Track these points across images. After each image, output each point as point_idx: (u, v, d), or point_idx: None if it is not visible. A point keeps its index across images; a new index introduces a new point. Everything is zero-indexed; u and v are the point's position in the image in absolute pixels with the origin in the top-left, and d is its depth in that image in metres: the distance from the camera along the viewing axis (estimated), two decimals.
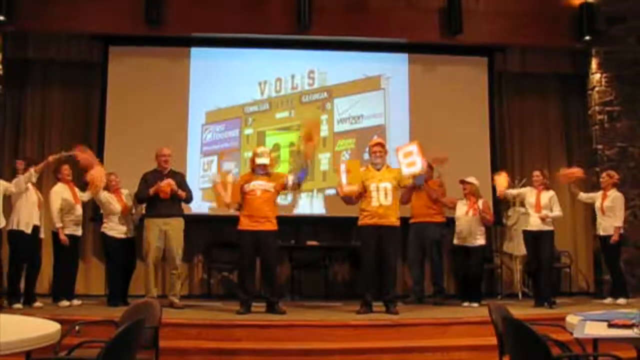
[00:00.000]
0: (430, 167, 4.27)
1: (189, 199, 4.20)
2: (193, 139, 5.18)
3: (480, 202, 4.23)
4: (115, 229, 4.08)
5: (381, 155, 3.84)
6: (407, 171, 3.66)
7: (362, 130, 5.23)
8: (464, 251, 4.18)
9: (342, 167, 3.67)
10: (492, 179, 4.46)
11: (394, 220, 3.75)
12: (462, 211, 4.22)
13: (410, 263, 4.62)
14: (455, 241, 4.26)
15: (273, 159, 3.95)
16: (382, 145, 3.85)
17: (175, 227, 4.09)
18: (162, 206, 4.02)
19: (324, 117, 5.29)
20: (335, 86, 5.29)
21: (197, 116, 5.18)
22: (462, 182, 4.26)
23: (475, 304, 4.08)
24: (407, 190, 4.03)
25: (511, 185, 4.44)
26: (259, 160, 3.82)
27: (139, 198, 4.09)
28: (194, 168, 5.15)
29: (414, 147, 3.67)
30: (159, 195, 4.01)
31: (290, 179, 3.84)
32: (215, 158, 5.14)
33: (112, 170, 4.33)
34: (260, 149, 3.92)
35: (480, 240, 4.18)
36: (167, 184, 3.99)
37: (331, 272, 5.20)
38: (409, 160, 3.64)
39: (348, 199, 3.77)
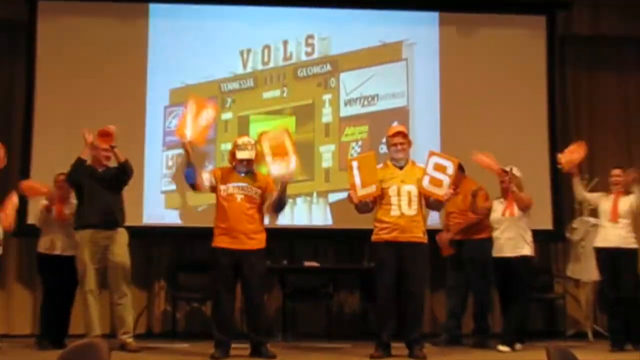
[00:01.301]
0: (461, 167, 4.24)
1: (128, 169, 4.05)
2: (152, 127, 5.19)
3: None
4: (51, 245, 4.10)
5: (403, 148, 3.80)
6: (427, 187, 3.67)
7: (378, 114, 5.23)
8: (502, 266, 4.11)
9: (355, 164, 3.66)
10: (558, 161, 4.31)
11: (419, 235, 3.70)
12: (499, 212, 4.16)
13: (448, 291, 4.66)
14: (493, 252, 4.19)
15: (260, 153, 3.82)
16: (404, 134, 3.82)
17: (118, 241, 4.02)
18: (98, 212, 3.94)
19: (326, 97, 5.29)
20: (342, 56, 5.29)
21: (157, 96, 5.20)
22: (502, 172, 4.16)
23: (518, 346, 3.98)
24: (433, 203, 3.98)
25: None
26: (240, 155, 3.77)
27: (70, 179, 3.99)
28: (154, 165, 5.15)
29: (449, 165, 3.65)
30: (97, 150, 3.95)
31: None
32: (182, 152, 5.12)
33: (42, 167, 4.38)
34: (242, 140, 3.86)
35: (525, 250, 4.05)
36: (107, 131, 3.89)
37: (336, 303, 5.20)
38: (437, 176, 3.64)
39: (363, 206, 3.74)
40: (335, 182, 5.18)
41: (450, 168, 3.67)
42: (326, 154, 5.27)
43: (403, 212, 3.69)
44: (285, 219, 4.98)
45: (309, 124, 5.32)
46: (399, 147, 3.80)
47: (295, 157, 3.73)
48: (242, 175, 3.78)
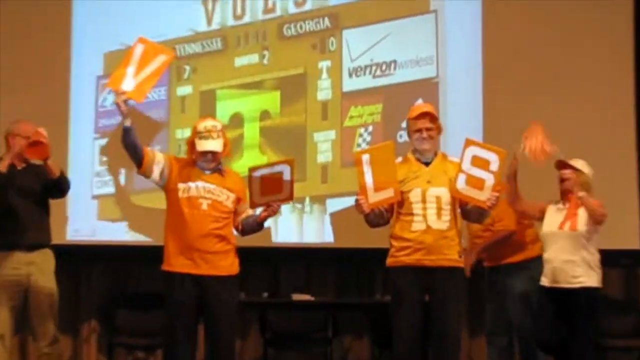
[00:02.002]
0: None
1: (65, 186, 4.12)
2: (80, 105, 5.24)
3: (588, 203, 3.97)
4: None
5: (430, 135, 3.65)
6: (463, 189, 3.64)
7: (395, 88, 5.21)
8: (556, 302, 4.09)
9: (365, 157, 3.63)
10: None
11: (453, 257, 3.59)
12: (555, 223, 4.14)
13: (488, 337, 4.68)
14: (543, 281, 4.16)
15: (229, 142, 3.87)
16: (432, 117, 3.72)
17: (43, 267, 4.05)
18: (16, 227, 3.96)
19: (323, 64, 5.29)
20: (345, 6, 5.27)
21: (86, 62, 5.21)
22: (563, 166, 4.14)
23: None
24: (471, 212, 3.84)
25: None
26: (203, 145, 3.69)
27: None
28: (82, 159, 5.20)
29: (493, 158, 3.58)
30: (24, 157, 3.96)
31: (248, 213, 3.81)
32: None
33: None
34: (204, 124, 3.78)
35: (590, 279, 4.03)
36: (39, 141, 3.84)
37: (337, 351, 5.19)
38: (476, 174, 3.61)
39: (376, 217, 3.68)
40: (336, 184, 5.15)
41: (495, 163, 3.54)
42: (323, 143, 5.26)
43: (430, 225, 3.54)
44: (266, 235, 4.97)
45: (299, 102, 5.32)
46: (425, 134, 3.65)
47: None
48: (208, 173, 3.76)
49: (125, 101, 3.60)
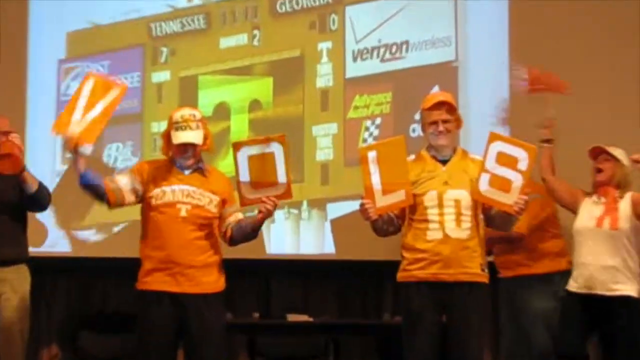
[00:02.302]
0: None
1: (44, 198, 4.20)
2: (38, 95, 5.29)
3: (628, 197, 4.07)
4: None
5: (448, 129, 3.67)
6: (487, 192, 3.64)
7: (407, 74, 5.22)
8: (592, 312, 4.06)
9: (371, 155, 3.64)
10: None
11: (475, 271, 3.66)
12: (590, 219, 4.11)
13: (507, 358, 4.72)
14: (571, 286, 4.15)
15: (211, 135, 3.84)
16: (450, 107, 3.72)
17: (16, 286, 4.12)
18: None
19: (323, 45, 5.32)
20: None
21: (46, 43, 5.27)
22: (599, 152, 4.14)
23: None
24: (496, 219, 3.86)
25: None
26: (180, 137, 3.69)
27: None
28: (41, 157, 5.21)
29: (522, 155, 3.59)
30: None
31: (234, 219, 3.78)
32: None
33: None
34: (181, 113, 3.76)
35: (629, 287, 4.00)
36: (7, 145, 3.93)
37: None
38: (502, 174, 3.60)
39: (385, 223, 3.71)
40: (338, 185, 5.16)
41: (524, 161, 3.55)
42: (323, 138, 5.28)
43: (448, 234, 3.60)
44: (257, 246, 4.80)
45: (295, 90, 5.35)
46: (441, 127, 3.64)
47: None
48: (187, 173, 3.75)
49: (77, 148, 3.59)
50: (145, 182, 3.73)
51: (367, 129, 5.26)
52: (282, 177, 3.66)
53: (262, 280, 5.37)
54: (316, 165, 5.31)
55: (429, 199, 3.66)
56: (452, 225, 3.64)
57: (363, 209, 3.61)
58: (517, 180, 3.56)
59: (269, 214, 3.73)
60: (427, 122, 3.73)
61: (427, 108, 3.71)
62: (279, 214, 5.20)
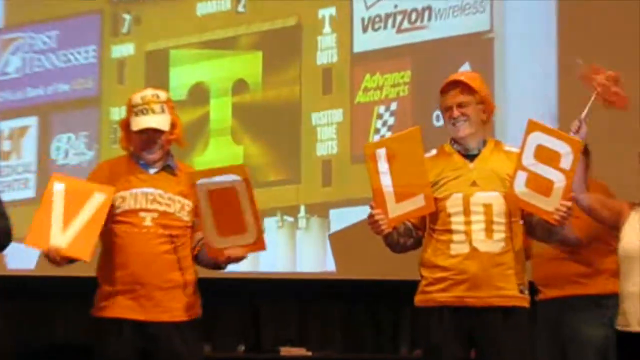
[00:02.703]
0: (586, 151, 4.20)
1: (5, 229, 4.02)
2: None
3: None
4: None
5: (465, 113, 3.62)
6: (522, 192, 3.65)
7: (430, 47, 5.28)
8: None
9: (380, 153, 3.62)
10: None
11: (511, 293, 3.62)
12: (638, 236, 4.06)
13: None
14: (618, 324, 4.08)
15: (179, 123, 3.83)
16: (466, 86, 3.69)
17: None
18: None
19: (325, 12, 5.37)
20: None
21: None
22: None
23: None
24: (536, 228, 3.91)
25: None
26: (139, 122, 3.73)
27: None
28: None
29: (565, 149, 3.63)
30: None
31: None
32: (33, 122, 5.31)
33: None
34: (143, 94, 3.79)
35: None
36: None
37: None
38: (541, 172, 3.61)
39: (398, 240, 3.71)
40: (343, 186, 5.21)
41: (568, 157, 3.58)
42: (326, 128, 5.32)
43: (476, 247, 3.60)
44: (242, 261, 4.88)
45: (291, 67, 5.39)
46: (456, 113, 3.65)
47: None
48: (153, 172, 3.75)
49: (66, 259, 3.61)
50: (104, 185, 3.73)
51: (379, 116, 5.25)
52: (249, 220, 3.63)
53: (249, 305, 5.38)
54: (316, 162, 5.33)
55: (453, 204, 3.62)
56: (482, 236, 3.59)
57: (372, 221, 3.58)
58: (559, 181, 3.55)
59: (236, 260, 3.71)
60: (442, 108, 3.71)
61: (440, 91, 3.68)
62: (270, 222, 5.21)
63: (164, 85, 4.99)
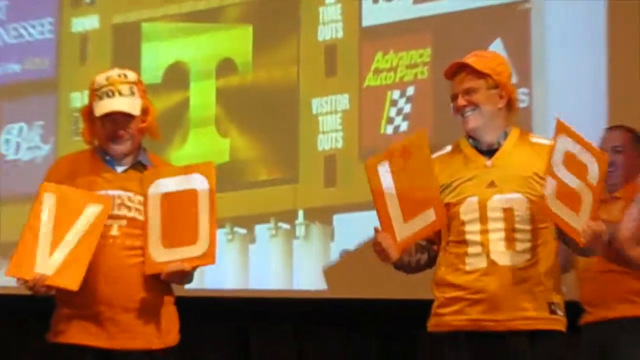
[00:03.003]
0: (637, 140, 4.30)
1: None
2: None
3: None
4: None
5: (473, 102, 3.58)
6: (552, 203, 3.61)
7: (454, 20, 5.26)
8: None
9: (382, 169, 3.63)
10: None
11: (539, 314, 3.60)
12: None
13: None
14: None
15: (152, 109, 3.78)
16: (472, 70, 3.67)
17: None
18: None
19: None
20: None
21: None
22: None
23: None
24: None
25: None
26: (104, 106, 3.69)
27: None
28: None
29: (591, 162, 3.56)
30: None
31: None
32: None
33: None
34: (109, 74, 3.75)
35: None
36: None
37: None
38: (570, 182, 3.58)
39: (408, 262, 3.67)
40: (350, 187, 5.19)
41: (594, 171, 3.53)
42: (329, 117, 5.33)
43: (494, 260, 3.57)
44: (229, 277, 5.20)
45: (287, 44, 5.43)
46: (461, 101, 3.60)
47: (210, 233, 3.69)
48: (121, 170, 3.74)
49: (49, 290, 3.60)
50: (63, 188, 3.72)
51: (394, 102, 5.21)
52: (203, 230, 3.67)
53: (236, 329, 5.43)
54: (318, 158, 5.33)
55: (467, 210, 3.60)
56: (501, 247, 3.57)
57: (379, 250, 3.56)
58: (586, 195, 3.54)
59: (180, 278, 3.69)
60: (451, 95, 3.65)
61: (444, 75, 3.66)
62: (262, 230, 5.38)
63: (135, 65, 4.94)
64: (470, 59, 3.63)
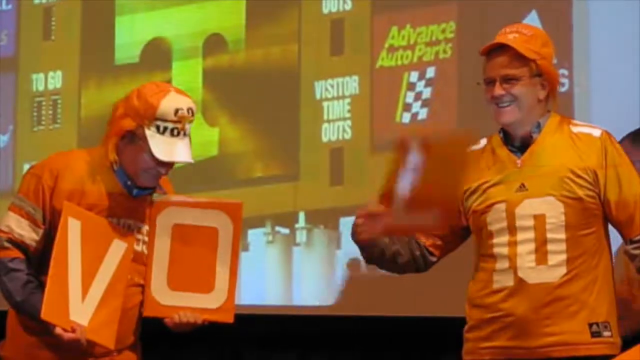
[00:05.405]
0: None
1: None
2: None
3: None
4: None
5: (513, 93, 3.57)
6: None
7: None
8: None
9: (414, 145, 3.60)
10: None
11: (579, 337, 3.52)
12: None
13: None
14: None
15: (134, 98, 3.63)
16: (515, 53, 3.59)
17: None
18: None
19: None
20: None
21: None
22: None
23: None
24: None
25: None
26: (170, 153, 3.63)
27: None
28: None
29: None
30: None
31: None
32: None
33: None
34: (179, 103, 3.67)
35: None
36: None
37: None
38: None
39: (384, 254, 3.66)
40: (360, 185, 5.08)
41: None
42: (334, 103, 5.22)
43: (522, 278, 3.55)
44: None
45: (286, 17, 5.34)
46: (498, 91, 3.54)
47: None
48: (136, 193, 3.65)
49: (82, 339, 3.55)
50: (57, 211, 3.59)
51: (411, 86, 5.09)
52: (222, 279, 3.60)
53: (229, 351, 5.39)
54: (322, 151, 5.26)
55: (494, 219, 3.56)
56: (530, 261, 3.53)
57: (358, 216, 3.57)
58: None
59: (187, 327, 3.64)
60: (484, 79, 3.59)
61: (481, 53, 3.59)
62: (257, 235, 5.31)
63: (108, 43, 5.12)
64: (513, 39, 3.57)
